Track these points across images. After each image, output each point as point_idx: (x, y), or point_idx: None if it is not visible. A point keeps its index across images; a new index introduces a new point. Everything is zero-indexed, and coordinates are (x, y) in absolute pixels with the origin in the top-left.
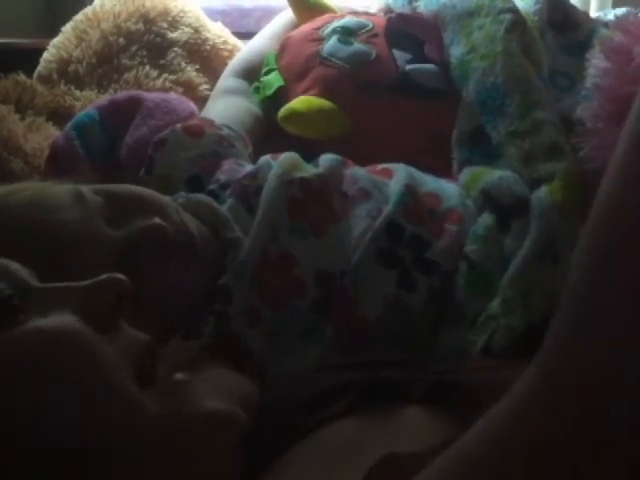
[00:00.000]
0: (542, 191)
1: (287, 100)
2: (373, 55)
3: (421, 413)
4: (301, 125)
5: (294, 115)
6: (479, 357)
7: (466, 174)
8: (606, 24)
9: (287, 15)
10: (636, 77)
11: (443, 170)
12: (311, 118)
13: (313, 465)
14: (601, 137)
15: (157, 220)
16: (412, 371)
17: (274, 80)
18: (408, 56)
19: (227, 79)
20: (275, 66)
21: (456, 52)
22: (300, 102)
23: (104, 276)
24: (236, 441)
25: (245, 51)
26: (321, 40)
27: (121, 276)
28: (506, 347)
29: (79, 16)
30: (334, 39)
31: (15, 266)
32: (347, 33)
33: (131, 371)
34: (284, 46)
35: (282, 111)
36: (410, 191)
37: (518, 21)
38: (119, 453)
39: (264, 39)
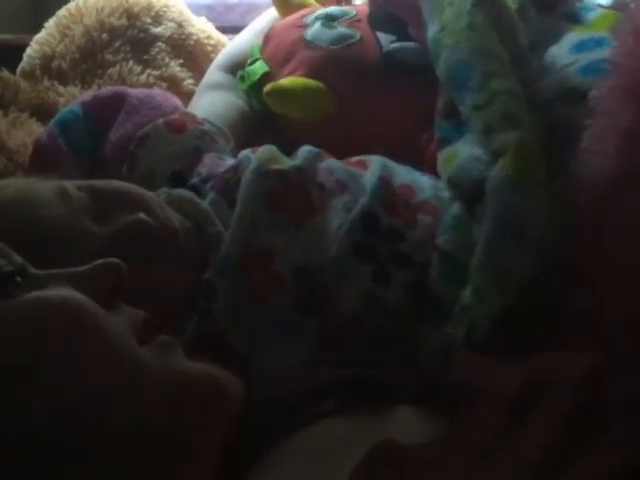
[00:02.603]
0: (497, 167)
1: None
2: (357, 37)
3: (409, 413)
4: (286, 101)
5: (279, 90)
6: (463, 351)
7: (441, 160)
8: (598, 5)
9: (273, 13)
10: None
11: (429, 148)
12: (296, 94)
13: (303, 463)
14: (613, 116)
15: (141, 215)
16: (399, 371)
17: (259, 68)
18: (392, 38)
19: (213, 74)
20: (259, 56)
21: (430, 32)
22: (285, 80)
23: (100, 261)
24: (233, 408)
25: (231, 46)
26: (305, 26)
27: (117, 260)
28: (487, 337)
29: (62, 11)
30: (318, 24)
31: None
32: (330, 19)
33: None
34: (268, 37)
35: (267, 87)
36: (384, 183)
37: None
38: (120, 411)
39: (250, 35)
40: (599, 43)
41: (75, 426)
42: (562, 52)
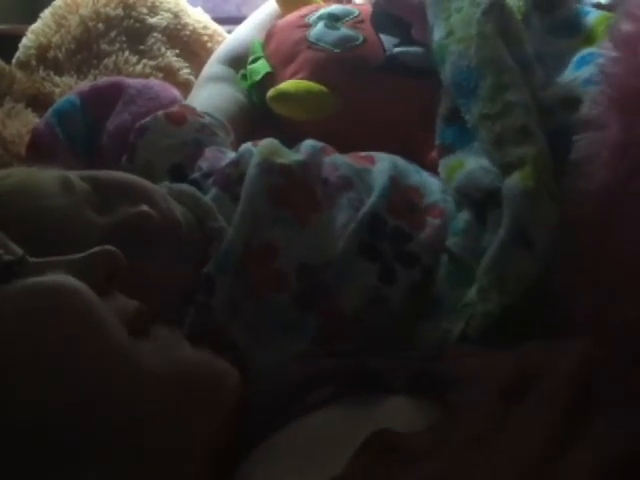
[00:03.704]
0: (514, 178)
1: (275, 86)
2: (360, 39)
3: (404, 401)
4: (290, 105)
5: (283, 95)
6: (458, 346)
7: (443, 167)
8: (598, 4)
9: (272, 5)
10: None
11: (432, 148)
12: (299, 97)
13: (299, 451)
14: (600, 128)
15: (144, 207)
16: (395, 362)
17: (261, 67)
18: (395, 40)
19: (213, 66)
20: (261, 54)
21: (435, 36)
22: (288, 83)
23: (97, 248)
24: (231, 398)
25: (231, 39)
26: (308, 26)
27: (113, 248)
28: (482, 334)
29: (58, 1)
30: (321, 24)
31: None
32: (333, 19)
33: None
34: (270, 34)
35: (271, 92)
36: (394, 183)
37: (496, 3)
38: (119, 410)
39: (250, 28)
40: (599, 56)
41: (75, 426)
42: (566, 73)
